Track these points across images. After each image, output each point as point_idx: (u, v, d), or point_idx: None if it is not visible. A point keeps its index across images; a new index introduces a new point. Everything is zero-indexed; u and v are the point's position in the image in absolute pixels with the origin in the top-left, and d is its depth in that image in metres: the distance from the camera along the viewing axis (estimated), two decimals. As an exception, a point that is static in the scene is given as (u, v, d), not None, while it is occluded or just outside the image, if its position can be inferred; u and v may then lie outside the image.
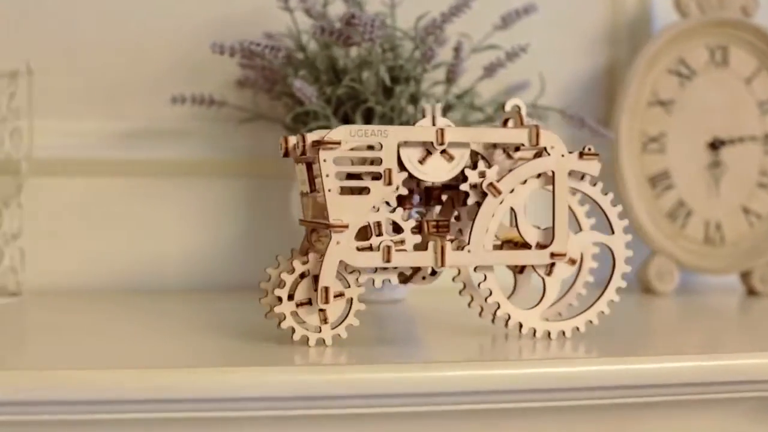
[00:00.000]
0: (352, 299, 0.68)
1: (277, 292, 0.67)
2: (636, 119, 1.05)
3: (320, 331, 0.68)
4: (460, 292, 0.73)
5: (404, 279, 0.72)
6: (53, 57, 1.00)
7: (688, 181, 1.06)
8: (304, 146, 0.68)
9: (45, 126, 0.96)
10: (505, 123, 0.72)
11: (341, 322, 0.68)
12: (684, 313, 0.98)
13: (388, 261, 0.68)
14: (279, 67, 0.93)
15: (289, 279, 0.67)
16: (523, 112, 0.71)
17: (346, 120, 0.93)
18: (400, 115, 0.93)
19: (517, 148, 0.71)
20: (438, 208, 0.73)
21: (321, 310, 0.67)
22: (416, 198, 0.72)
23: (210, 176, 1.02)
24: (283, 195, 1.03)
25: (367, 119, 0.93)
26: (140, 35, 1.02)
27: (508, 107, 0.71)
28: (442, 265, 0.69)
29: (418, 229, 0.70)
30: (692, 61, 1.06)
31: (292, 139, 0.69)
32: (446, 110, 0.96)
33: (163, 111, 0.99)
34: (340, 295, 0.67)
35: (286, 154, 0.69)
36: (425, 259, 0.69)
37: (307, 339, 0.68)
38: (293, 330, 0.68)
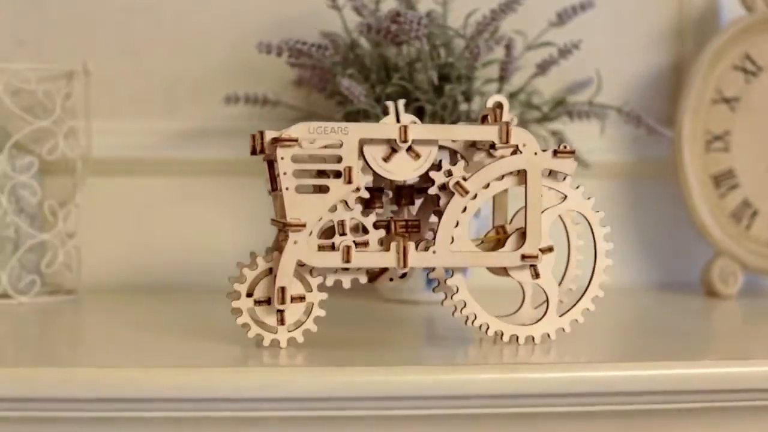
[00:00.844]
0: (312, 304, 0.67)
1: (236, 286, 0.67)
2: (699, 117, 1.02)
3: (276, 332, 0.67)
4: (433, 290, 0.71)
5: (371, 279, 0.70)
6: (111, 58, 1.02)
7: (754, 181, 1.03)
8: (262, 143, 0.66)
9: (102, 126, 0.97)
10: (483, 120, 0.70)
11: (300, 326, 0.67)
12: (748, 317, 0.95)
13: (348, 261, 0.66)
14: (330, 66, 0.93)
15: (250, 275, 0.67)
16: (506, 109, 0.69)
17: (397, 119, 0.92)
18: (452, 114, 0.92)
19: (493, 146, 0.68)
20: (415, 208, 0.71)
21: (279, 310, 0.66)
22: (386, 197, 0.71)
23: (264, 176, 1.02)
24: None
25: (418, 117, 0.92)
26: (197, 36, 1.03)
27: (489, 103, 0.69)
28: (404, 266, 0.67)
29: (386, 229, 0.68)
30: (758, 57, 1.03)
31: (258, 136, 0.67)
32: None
33: (219, 111, 1.00)
34: (300, 299, 0.66)
35: (254, 152, 0.68)
36: (387, 260, 0.67)
37: (262, 338, 0.67)
38: (249, 327, 0.67)
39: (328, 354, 0.67)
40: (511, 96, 0.95)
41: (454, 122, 0.92)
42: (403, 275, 0.70)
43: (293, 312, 0.67)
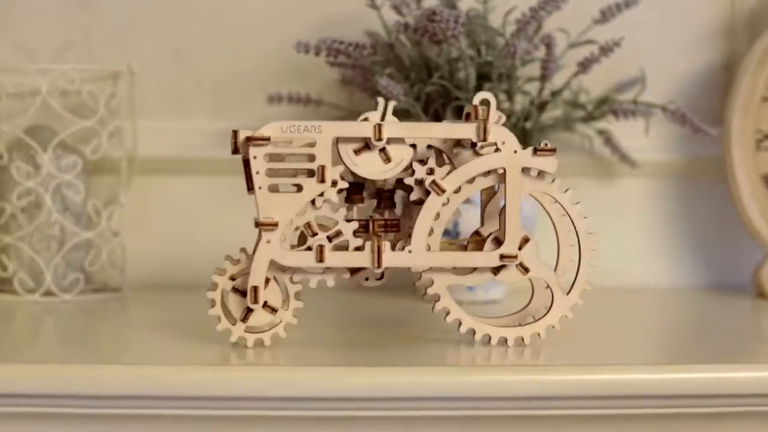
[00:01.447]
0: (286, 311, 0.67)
1: (214, 278, 0.67)
2: (749, 116, 1.00)
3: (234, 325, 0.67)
4: (414, 283, 0.69)
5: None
6: (158, 58, 1.03)
7: (806, 180, 1.01)
8: (236, 142, 0.66)
9: (149, 126, 0.98)
10: (467, 118, 0.68)
11: (270, 328, 0.67)
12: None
13: (321, 261, 0.65)
14: (369, 65, 0.93)
15: (230, 268, 0.67)
16: (493, 106, 0.67)
17: (437, 118, 0.92)
18: (492, 112, 0.91)
19: (474, 144, 0.67)
20: (399, 209, 0.70)
21: (249, 309, 0.66)
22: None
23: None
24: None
25: (459, 116, 0.92)
26: (243, 36, 1.04)
27: (476, 101, 0.67)
28: (379, 266, 0.66)
29: (365, 228, 0.67)
30: (810, 53, 1.01)
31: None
32: (541, 107, 0.94)
33: (264, 111, 1.00)
34: (273, 310, 0.66)
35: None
36: (362, 260, 0.66)
37: (230, 333, 0.67)
38: (219, 320, 0.67)
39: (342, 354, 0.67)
40: (553, 94, 0.94)
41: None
42: (381, 277, 0.69)
43: (259, 316, 0.66)
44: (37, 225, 0.92)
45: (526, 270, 0.67)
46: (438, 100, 0.92)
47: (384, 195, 0.69)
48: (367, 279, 0.69)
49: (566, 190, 0.68)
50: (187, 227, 1.02)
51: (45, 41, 1.03)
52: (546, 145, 0.66)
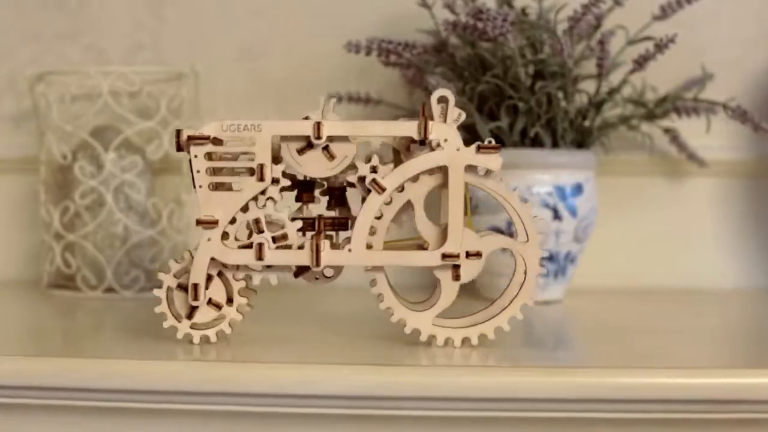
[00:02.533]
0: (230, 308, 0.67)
1: (160, 276, 0.68)
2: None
3: (180, 322, 0.68)
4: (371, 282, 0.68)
5: (296, 275, 0.68)
6: (225, 59, 1.05)
7: None
8: (178, 142, 0.67)
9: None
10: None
11: (212, 326, 0.68)
12: None
13: (260, 259, 0.66)
14: (422, 64, 0.93)
15: (174, 266, 0.68)
16: (451, 104, 0.66)
17: (492, 116, 0.92)
18: (548, 112, 0.90)
19: (422, 143, 0.66)
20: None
21: (192, 306, 0.67)
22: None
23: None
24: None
25: (514, 115, 0.91)
26: (308, 36, 1.04)
27: (433, 99, 0.66)
28: (317, 264, 0.65)
29: (312, 227, 0.67)
30: None
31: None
32: (599, 105, 0.92)
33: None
34: (217, 307, 0.67)
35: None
36: (301, 258, 0.66)
37: (176, 330, 0.68)
38: (165, 317, 0.68)
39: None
40: (611, 93, 0.92)
41: (550, 120, 0.90)
42: (330, 275, 0.69)
43: (204, 313, 0.67)
44: (100, 223, 0.95)
45: (458, 277, 0.66)
46: (492, 99, 0.92)
47: (335, 193, 0.69)
48: (317, 278, 0.68)
49: (514, 189, 0.67)
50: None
51: (115, 44, 1.06)
52: (490, 141, 0.66)
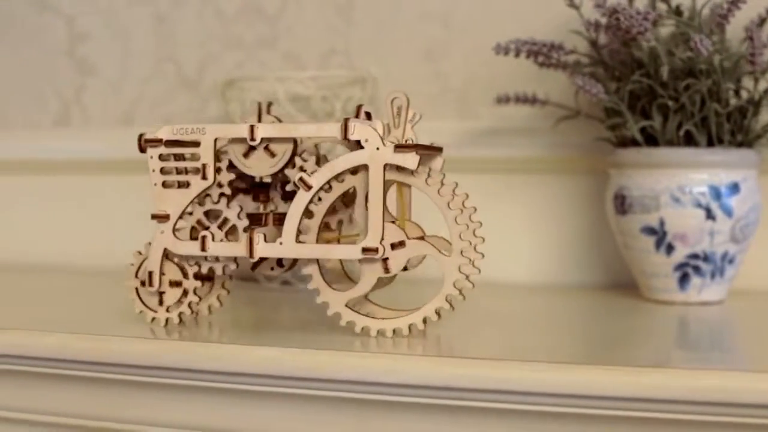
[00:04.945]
0: (187, 291, 0.74)
1: (129, 269, 0.75)
2: None
3: (157, 312, 0.75)
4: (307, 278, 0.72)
5: (253, 267, 0.74)
6: (409, 62, 1.09)
7: None
8: (140, 144, 0.73)
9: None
10: (357, 115, 0.71)
11: (177, 307, 0.74)
12: None
13: (204, 250, 0.72)
14: (573, 65, 0.91)
15: (138, 259, 0.75)
16: (405, 106, 0.70)
17: (645, 115, 0.89)
18: (701, 111, 0.86)
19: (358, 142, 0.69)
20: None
21: (160, 292, 0.74)
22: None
23: (556, 173, 1.04)
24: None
25: (665, 114, 0.87)
26: (487, 39, 1.03)
27: (388, 99, 0.70)
28: (251, 256, 0.71)
29: (259, 222, 0.73)
30: None
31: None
32: (758, 105, 0.86)
33: (509, 110, 1.03)
34: (177, 284, 0.74)
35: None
36: (238, 250, 0.71)
37: (146, 316, 0.75)
38: (141, 310, 0.75)
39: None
40: (765, 92, 0.86)
41: (704, 119, 0.86)
42: (284, 265, 0.74)
43: (170, 295, 0.74)
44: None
45: (387, 270, 0.69)
46: (644, 98, 0.88)
47: (287, 192, 0.74)
48: (272, 269, 0.75)
49: (439, 189, 0.68)
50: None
51: (310, 50, 1.11)
52: (407, 141, 0.69)
